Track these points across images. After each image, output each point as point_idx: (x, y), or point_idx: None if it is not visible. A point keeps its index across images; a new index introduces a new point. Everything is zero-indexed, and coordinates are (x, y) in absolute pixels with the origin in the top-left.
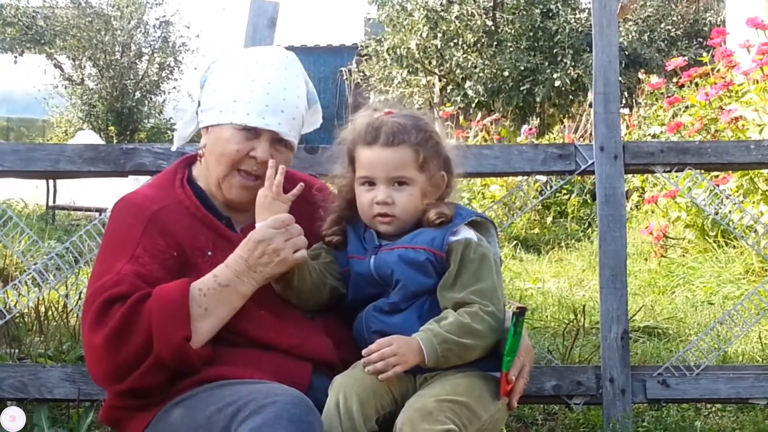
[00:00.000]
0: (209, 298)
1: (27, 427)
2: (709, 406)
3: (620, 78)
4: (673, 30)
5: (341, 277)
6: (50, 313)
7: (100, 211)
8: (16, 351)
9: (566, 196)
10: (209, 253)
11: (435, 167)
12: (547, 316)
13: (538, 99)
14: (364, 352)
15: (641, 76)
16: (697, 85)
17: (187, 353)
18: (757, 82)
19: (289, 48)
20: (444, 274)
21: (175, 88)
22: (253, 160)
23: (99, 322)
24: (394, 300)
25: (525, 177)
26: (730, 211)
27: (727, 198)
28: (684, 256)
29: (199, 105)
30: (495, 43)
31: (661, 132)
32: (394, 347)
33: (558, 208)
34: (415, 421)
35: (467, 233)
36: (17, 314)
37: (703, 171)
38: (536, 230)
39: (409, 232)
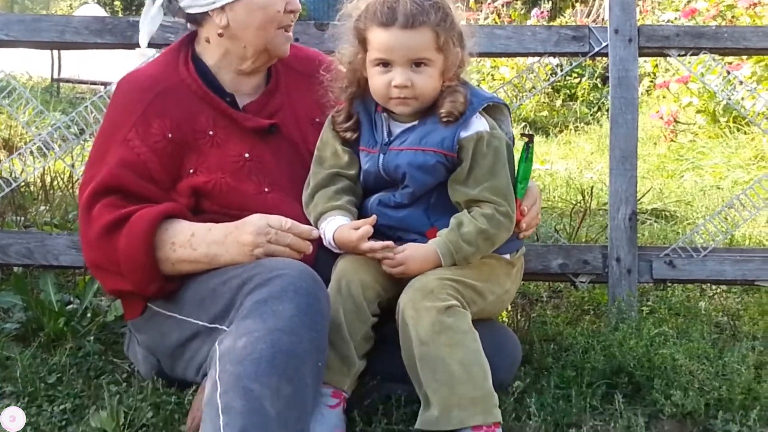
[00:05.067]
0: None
1: (34, 292)
2: (714, 287)
3: None
4: None
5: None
6: (56, 183)
7: (105, 84)
8: (22, 219)
9: (576, 80)
10: (210, 133)
11: (453, 46)
12: (554, 197)
13: None
14: (378, 256)
15: None
16: None
17: (167, 291)
18: None
19: None
20: (455, 170)
21: None
22: (289, 14)
23: (84, 216)
24: (400, 200)
25: (536, 59)
26: (742, 98)
27: (741, 84)
28: (694, 141)
29: None
30: None
31: (676, 18)
32: (408, 266)
33: (568, 92)
34: (416, 300)
35: (479, 125)
36: (23, 183)
37: (717, 56)
38: (545, 113)
39: (424, 114)
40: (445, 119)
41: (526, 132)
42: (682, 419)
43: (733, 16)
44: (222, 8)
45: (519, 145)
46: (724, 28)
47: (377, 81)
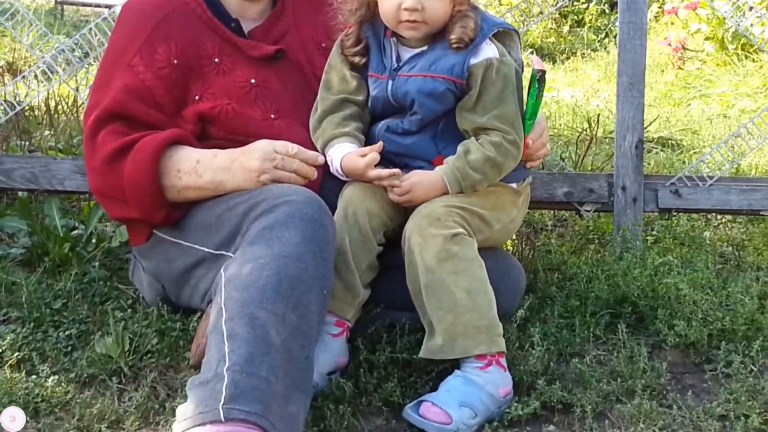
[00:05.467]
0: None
1: (39, 217)
2: (719, 217)
3: None
4: None
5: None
6: (60, 107)
7: (109, 7)
8: (27, 143)
9: (584, 5)
10: (216, 60)
11: None
12: (560, 125)
13: None
14: (385, 183)
15: None
16: None
17: (173, 218)
18: None
19: None
20: (464, 97)
21: None
22: None
23: (89, 142)
24: (407, 126)
25: None
26: (752, 24)
27: (750, 10)
28: (702, 68)
29: None
30: None
31: None
32: (414, 194)
33: (575, 17)
34: (422, 227)
35: (489, 52)
36: (27, 107)
37: None
38: (552, 39)
39: (433, 40)
40: (455, 45)
41: (537, 64)
42: (685, 349)
43: None
44: None
45: (527, 72)
46: None
47: (387, 3)
